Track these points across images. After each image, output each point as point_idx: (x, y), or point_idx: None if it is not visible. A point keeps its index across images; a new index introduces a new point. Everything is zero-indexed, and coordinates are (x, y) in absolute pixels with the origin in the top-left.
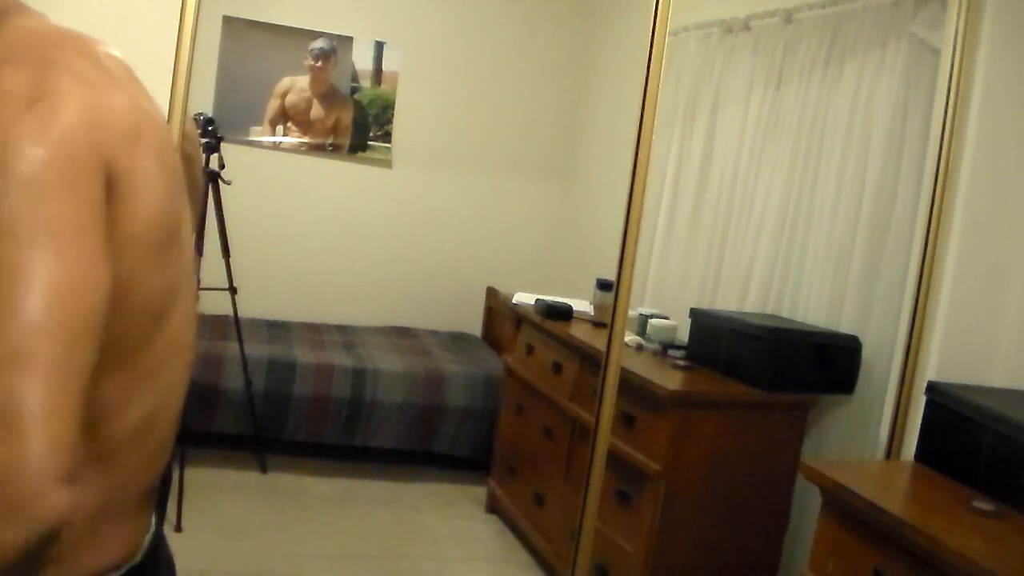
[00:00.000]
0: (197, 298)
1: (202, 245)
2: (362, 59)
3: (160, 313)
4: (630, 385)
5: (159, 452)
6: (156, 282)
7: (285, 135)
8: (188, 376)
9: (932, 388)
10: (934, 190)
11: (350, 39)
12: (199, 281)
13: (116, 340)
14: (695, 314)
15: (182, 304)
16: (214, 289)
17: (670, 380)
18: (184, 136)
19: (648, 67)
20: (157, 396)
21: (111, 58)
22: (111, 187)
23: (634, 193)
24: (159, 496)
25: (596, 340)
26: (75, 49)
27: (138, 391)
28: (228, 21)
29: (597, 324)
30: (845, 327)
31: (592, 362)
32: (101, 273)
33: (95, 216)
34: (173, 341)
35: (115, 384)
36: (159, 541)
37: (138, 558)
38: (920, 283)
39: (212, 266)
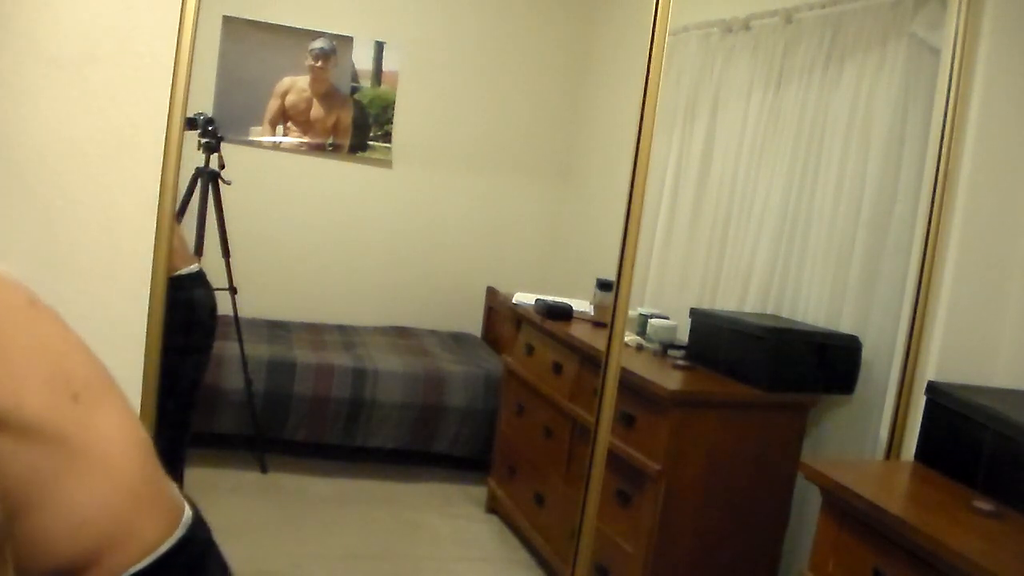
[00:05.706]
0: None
1: (202, 245)
2: (362, 59)
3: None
4: (630, 385)
5: None
6: None
7: (285, 135)
8: None
9: (932, 388)
10: (934, 190)
11: (350, 39)
12: None
13: None
14: (695, 314)
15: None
16: (214, 289)
17: (670, 380)
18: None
19: (648, 67)
20: None
21: None
22: None
23: (634, 193)
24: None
25: (596, 340)
26: None
27: None
28: (228, 21)
29: (597, 324)
30: (845, 327)
31: (592, 362)
32: None
33: None
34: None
35: None
36: None
37: None
38: (920, 283)
39: (212, 266)
